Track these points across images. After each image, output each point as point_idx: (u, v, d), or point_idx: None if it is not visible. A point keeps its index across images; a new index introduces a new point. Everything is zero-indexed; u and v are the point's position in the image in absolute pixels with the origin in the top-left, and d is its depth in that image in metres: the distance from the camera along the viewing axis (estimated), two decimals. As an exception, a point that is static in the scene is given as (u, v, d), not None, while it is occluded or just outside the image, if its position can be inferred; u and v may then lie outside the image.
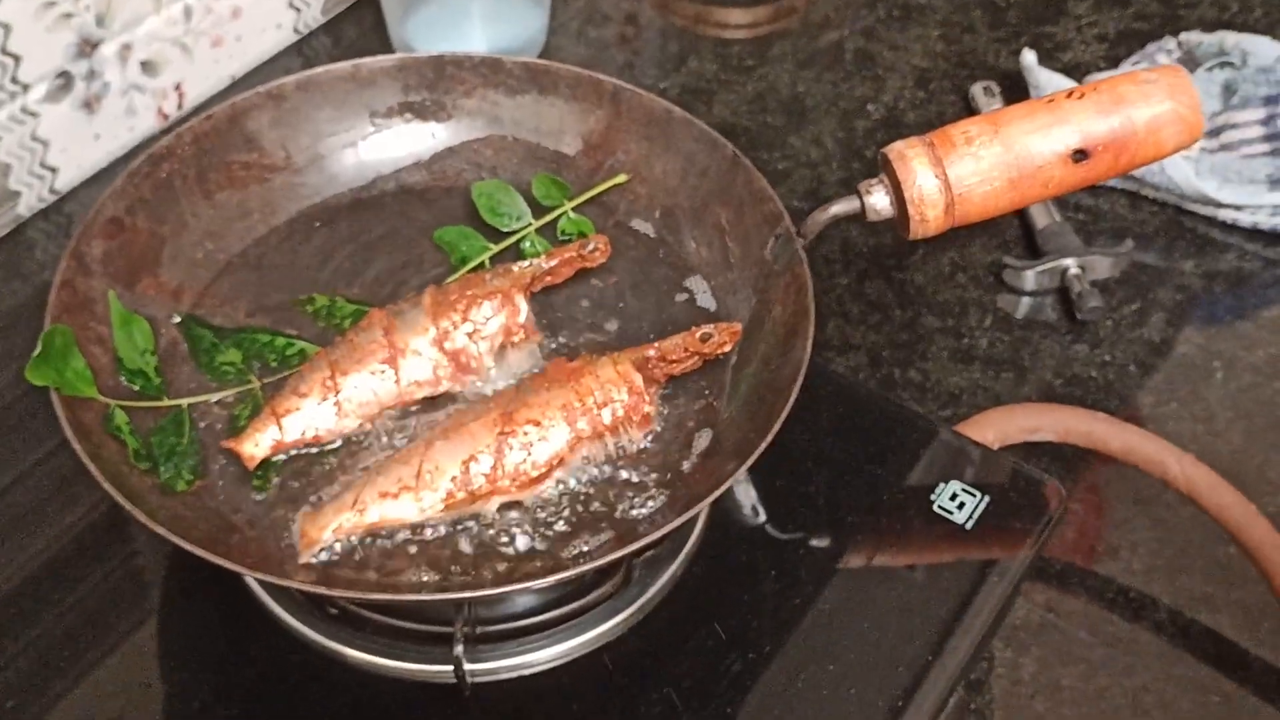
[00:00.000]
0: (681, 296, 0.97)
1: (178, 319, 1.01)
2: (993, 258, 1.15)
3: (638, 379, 0.86)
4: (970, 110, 1.23)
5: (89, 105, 1.12)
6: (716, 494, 0.78)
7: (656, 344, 0.89)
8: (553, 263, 0.93)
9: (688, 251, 1.00)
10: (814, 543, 0.90)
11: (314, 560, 0.81)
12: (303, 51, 1.26)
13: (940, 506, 0.90)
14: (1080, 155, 0.92)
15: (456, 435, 0.85)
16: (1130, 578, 0.99)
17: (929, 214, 0.93)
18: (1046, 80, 1.15)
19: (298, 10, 1.24)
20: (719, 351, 0.89)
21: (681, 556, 0.87)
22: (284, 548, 0.82)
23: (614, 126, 1.02)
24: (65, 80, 1.09)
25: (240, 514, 0.85)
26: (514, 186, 1.08)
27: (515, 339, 0.92)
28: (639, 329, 0.95)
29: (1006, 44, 1.34)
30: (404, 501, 0.84)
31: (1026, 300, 1.14)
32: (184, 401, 0.97)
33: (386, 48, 1.25)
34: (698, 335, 0.95)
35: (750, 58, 1.30)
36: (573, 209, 1.00)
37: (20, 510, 0.93)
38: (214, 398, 0.98)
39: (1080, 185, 0.95)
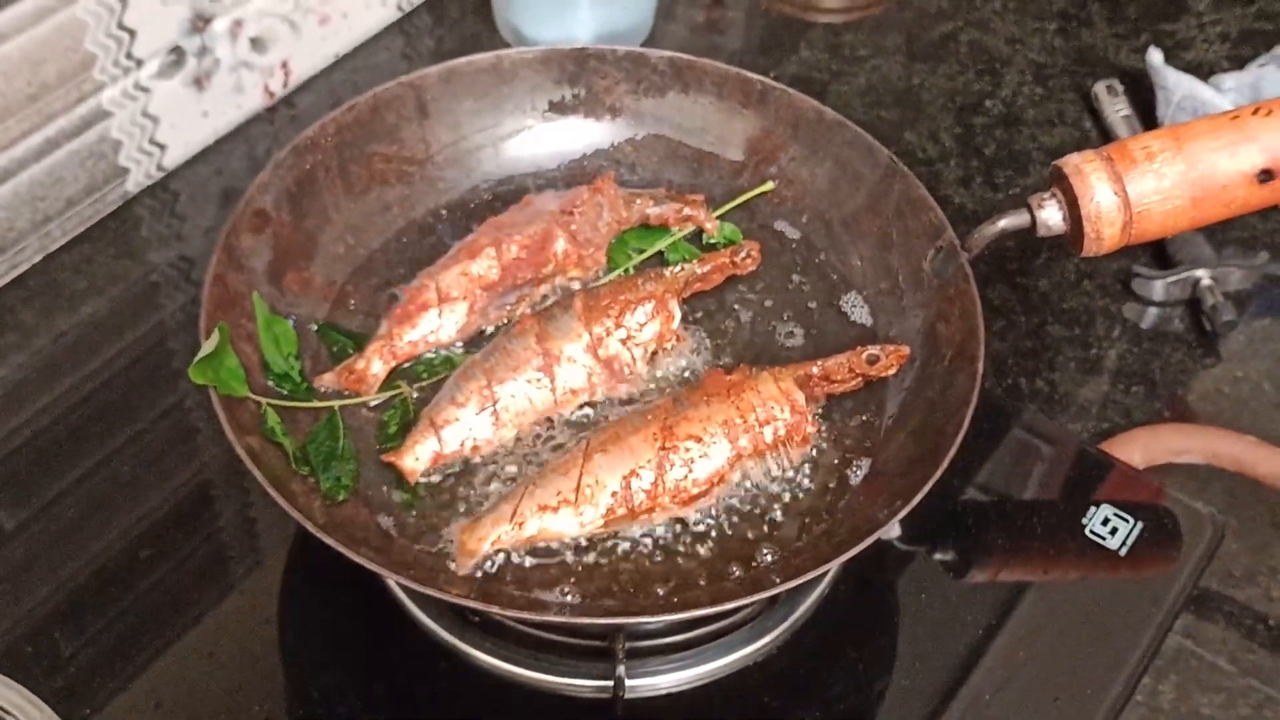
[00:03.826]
0: (834, 307, 0.96)
1: (314, 327, 0.93)
2: (1120, 265, 1.08)
3: (800, 397, 0.85)
4: (1091, 110, 1.19)
5: (199, 82, 1.10)
6: (877, 534, 0.75)
7: (819, 362, 0.86)
8: (705, 268, 0.92)
9: (838, 260, 0.98)
10: (962, 564, 0.88)
11: (468, 571, 0.80)
12: (404, 29, 1.24)
13: (1092, 531, 0.88)
14: (1266, 176, 0.88)
15: (616, 448, 0.83)
16: (1270, 605, 0.97)
17: (1105, 232, 0.90)
18: (1175, 82, 1.10)
19: (402, -13, 1.18)
20: (884, 375, 0.86)
21: (828, 577, 0.85)
22: (436, 556, 0.81)
23: (761, 127, 1.00)
24: (178, 56, 1.07)
25: (390, 520, 0.84)
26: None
27: (667, 345, 0.91)
28: (790, 340, 0.94)
29: (1126, 40, 1.30)
30: (563, 516, 0.82)
31: (1154, 311, 1.08)
32: (335, 404, 0.95)
33: (489, 28, 1.23)
34: (864, 357, 0.91)
35: (862, 47, 1.27)
36: (724, 211, 1.00)
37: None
38: (372, 401, 0.96)
39: (1262, 206, 0.91)
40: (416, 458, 0.85)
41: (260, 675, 0.83)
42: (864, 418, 0.88)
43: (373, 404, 0.90)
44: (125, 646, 0.84)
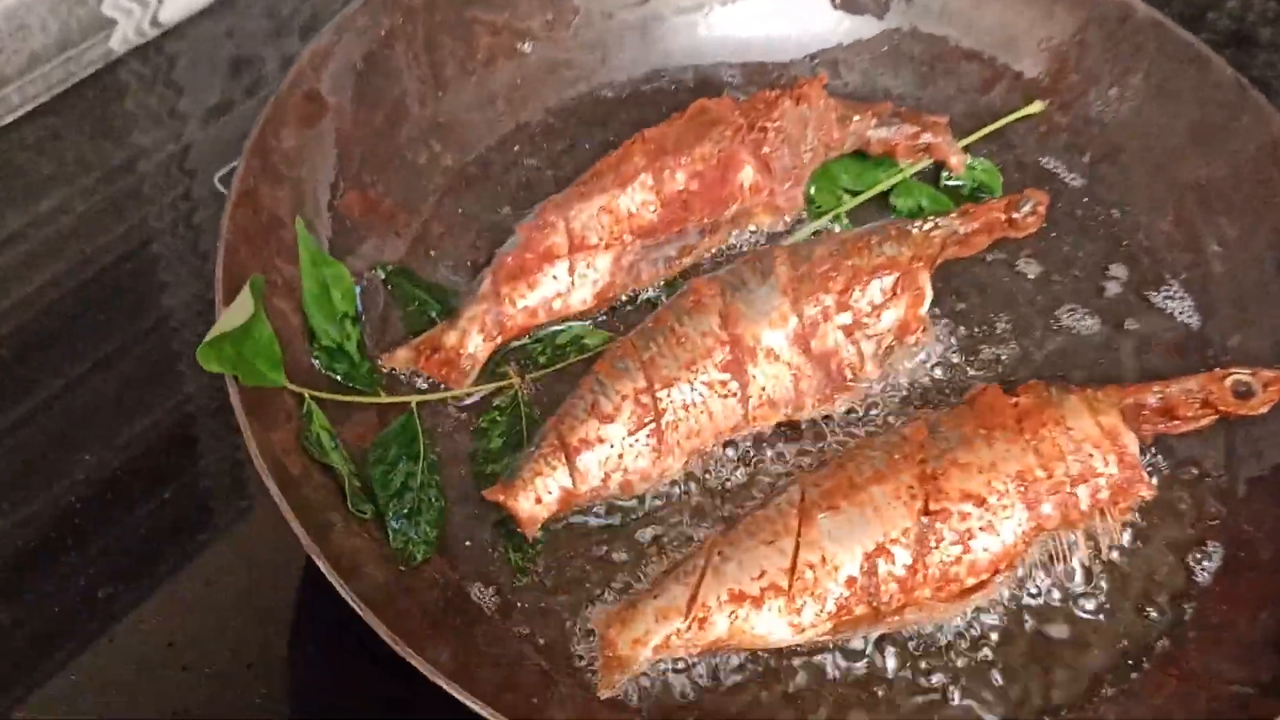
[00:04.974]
0: (1139, 295, 0.73)
1: (382, 274, 0.69)
2: None
3: (1131, 442, 0.62)
4: None
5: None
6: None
7: (1158, 387, 0.64)
8: (970, 225, 0.69)
9: (1143, 222, 0.74)
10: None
11: (614, 694, 0.58)
12: None
13: None
14: None
15: (850, 506, 0.60)
16: None
17: None
18: None
19: None
20: (1254, 413, 0.63)
21: None
22: (560, 660, 0.59)
23: (1030, 18, 0.77)
24: None
25: (490, 592, 0.61)
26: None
27: (910, 339, 0.67)
28: (1079, 339, 0.71)
29: None
30: (770, 611, 0.58)
31: None
32: (413, 399, 0.63)
33: None
34: (1228, 384, 0.62)
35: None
36: (971, 141, 0.77)
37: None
38: (466, 396, 0.66)
39: None
40: (538, 497, 0.61)
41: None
42: (1199, 472, 0.65)
43: (467, 400, 0.66)
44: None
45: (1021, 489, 0.60)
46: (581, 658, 0.59)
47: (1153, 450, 0.65)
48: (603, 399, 0.63)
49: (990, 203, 0.70)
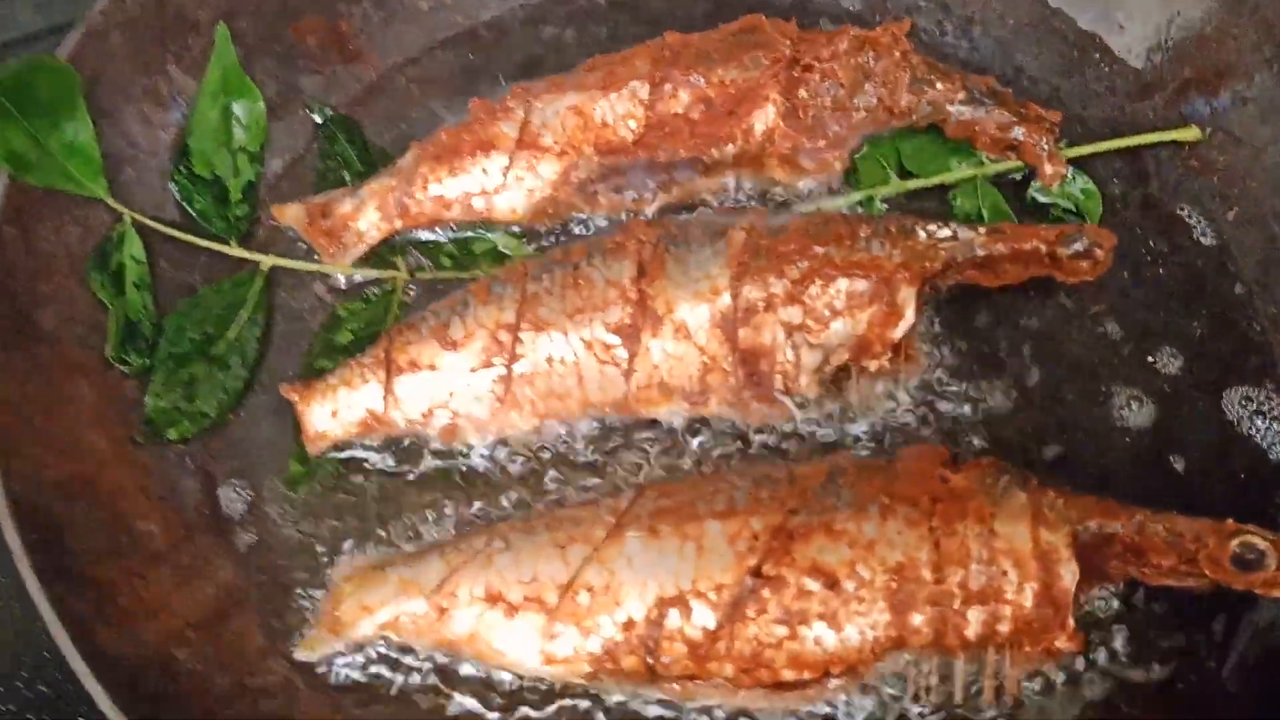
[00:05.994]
0: (1238, 394, 0.56)
1: (320, 117, 0.61)
2: None
3: (1067, 575, 0.47)
4: None
5: None
6: None
7: (1140, 517, 0.48)
8: (997, 249, 0.55)
9: (1273, 319, 0.58)
10: None
11: (312, 659, 0.50)
12: None
13: None
14: None
15: (674, 533, 0.48)
16: None
17: None
18: None
19: None
20: (1259, 591, 0.47)
21: None
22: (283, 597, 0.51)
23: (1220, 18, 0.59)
24: None
25: (239, 500, 0.53)
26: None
27: (874, 365, 0.53)
28: (1123, 430, 0.56)
29: None
30: (523, 627, 0.48)
31: None
32: (268, 260, 0.54)
33: None
34: (1232, 542, 0.48)
35: None
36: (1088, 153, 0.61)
37: None
38: (340, 273, 0.57)
39: None
40: (335, 411, 0.52)
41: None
42: (1185, 638, 0.50)
43: (338, 281, 0.57)
44: None
45: (893, 585, 0.46)
46: (307, 606, 0.49)
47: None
48: (456, 322, 0.52)
49: (1035, 228, 0.54)
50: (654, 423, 0.54)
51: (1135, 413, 0.57)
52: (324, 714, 0.47)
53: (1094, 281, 0.57)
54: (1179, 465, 0.54)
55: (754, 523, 0.47)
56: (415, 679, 0.49)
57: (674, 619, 0.46)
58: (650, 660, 0.46)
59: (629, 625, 0.46)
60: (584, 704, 0.48)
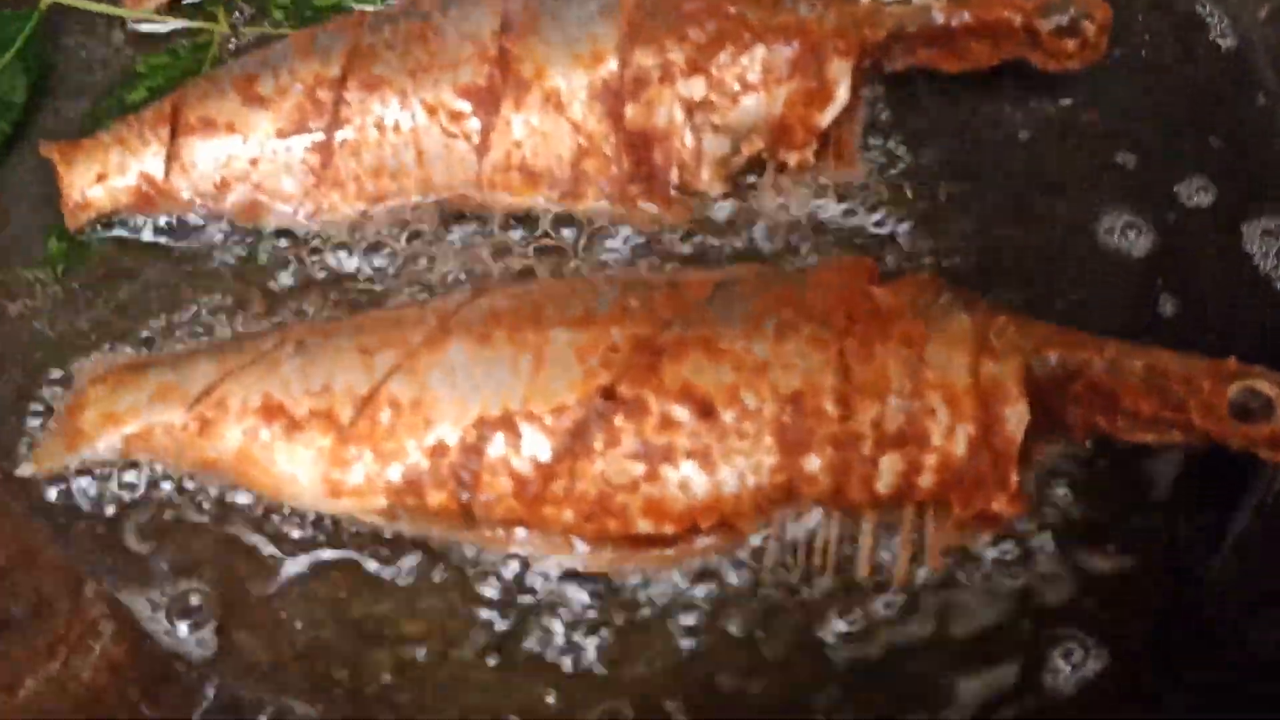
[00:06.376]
0: (1260, 241, 0.45)
1: None
2: None
3: (1014, 417, 0.37)
4: None
5: None
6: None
7: (1113, 351, 0.38)
8: (957, 17, 0.45)
9: None
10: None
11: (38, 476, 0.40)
12: None
13: None
14: None
15: (511, 341, 0.38)
16: None
17: None
18: None
19: None
20: (1260, 451, 0.37)
21: None
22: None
23: None
24: None
25: None
26: None
27: (795, 159, 0.43)
28: (1113, 253, 0.46)
29: None
30: (306, 447, 0.38)
31: None
32: None
33: None
34: (1232, 388, 0.37)
35: None
36: None
37: None
38: (145, 22, 0.48)
39: None
40: (103, 174, 0.43)
41: None
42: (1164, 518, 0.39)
43: (142, 26, 0.47)
44: None
45: (785, 419, 0.35)
46: (46, 407, 0.39)
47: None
48: (266, 74, 0.42)
49: (1020, -3, 0.43)
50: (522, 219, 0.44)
51: (1131, 242, 0.47)
52: (36, 544, 0.37)
53: (1084, 85, 0.48)
54: (1172, 308, 0.43)
55: (614, 333, 0.37)
56: (171, 511, 0.39)
57: (497, 446, 0.36)
58: (466, 497, 0.36)
59: (439, 450, 0.36)
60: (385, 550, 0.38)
